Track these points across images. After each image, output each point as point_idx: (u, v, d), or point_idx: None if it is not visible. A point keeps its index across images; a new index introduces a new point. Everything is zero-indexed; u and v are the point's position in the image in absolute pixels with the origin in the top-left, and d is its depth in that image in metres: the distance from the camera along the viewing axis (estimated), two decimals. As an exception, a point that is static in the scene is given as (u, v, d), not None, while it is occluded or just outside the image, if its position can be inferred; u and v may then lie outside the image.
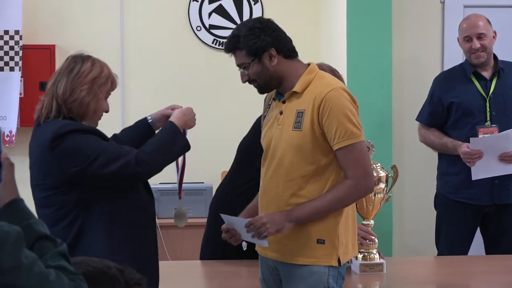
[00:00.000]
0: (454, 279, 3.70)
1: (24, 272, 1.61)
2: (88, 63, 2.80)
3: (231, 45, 2.94)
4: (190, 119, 3.04)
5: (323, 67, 3.65)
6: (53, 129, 2.69)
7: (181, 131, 2.95)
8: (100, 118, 2.88)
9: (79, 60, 2.81)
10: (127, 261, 2.76)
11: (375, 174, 3.39)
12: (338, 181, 2.85)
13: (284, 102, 2.93)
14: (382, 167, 3.55)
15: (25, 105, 5.55)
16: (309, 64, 2.99)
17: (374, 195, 3.47)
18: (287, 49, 2.94)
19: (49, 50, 5.71)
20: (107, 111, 2.90)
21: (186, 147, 2.97)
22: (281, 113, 2.92)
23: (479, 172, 4.32)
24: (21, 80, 5.57)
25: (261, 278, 3.09)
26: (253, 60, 2.89)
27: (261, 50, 2.88)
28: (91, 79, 2.77)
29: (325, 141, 2.83)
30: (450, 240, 4.53)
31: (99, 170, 2.67)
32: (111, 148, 2.72)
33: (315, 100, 2.83)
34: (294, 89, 2.89)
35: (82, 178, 2.69)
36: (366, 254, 3.57)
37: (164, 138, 2.89)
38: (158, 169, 2.87)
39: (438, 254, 4.58)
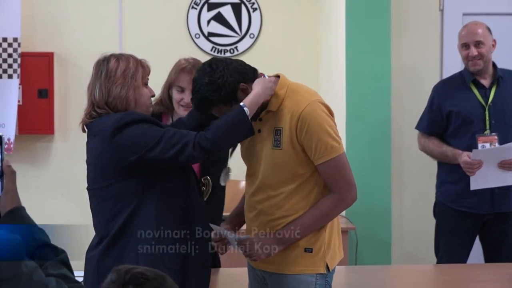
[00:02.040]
0: (453, 287, 3.70)
1: (24, 281, 1.61)
2: (112, 61, 2.89)
3: (206, 108, 2.82)
4: (269, 88, 2.83)
5: None
6: (113, 120, 2.78)
7: (249, 117, 2.77)
8: (149, 106, 2.95)
9: (103, 62, 2.91)
10: (174, 252, 2.82)
11: None
12: (322, 191, 2.86)
13: (260, 119, 2.88)
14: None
15: (23, 112, 5.56)
16: (277, 76, 2.91)
17: None
18: (250, 74, 2.85)
19: (48, 57, 5.71)
20: (153, 95, 2.98)
21: (250, 131, 2.82)
22: (259, 131, 2.88)
23: (478, 182, 4.31)
24: (19, 88, 5.56)
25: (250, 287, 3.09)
26: (231, 105, 2.79)
27: (233, 93, 2.78)
28: (121, 74, 2.86)
29: (306, 156, 2.82)
30: (449, 249, 4.53)
31: (158, 156, 2.74)
32: (168, 134, 2.77)
33: (292, 117, 2.79)
34: (269, 108, 2.84)
35: (141, 165, 2.76)
36: None
37: (229, 126, 2.78)
38: (215, 155, 2.92)
39: (438, 262, 4.58)
